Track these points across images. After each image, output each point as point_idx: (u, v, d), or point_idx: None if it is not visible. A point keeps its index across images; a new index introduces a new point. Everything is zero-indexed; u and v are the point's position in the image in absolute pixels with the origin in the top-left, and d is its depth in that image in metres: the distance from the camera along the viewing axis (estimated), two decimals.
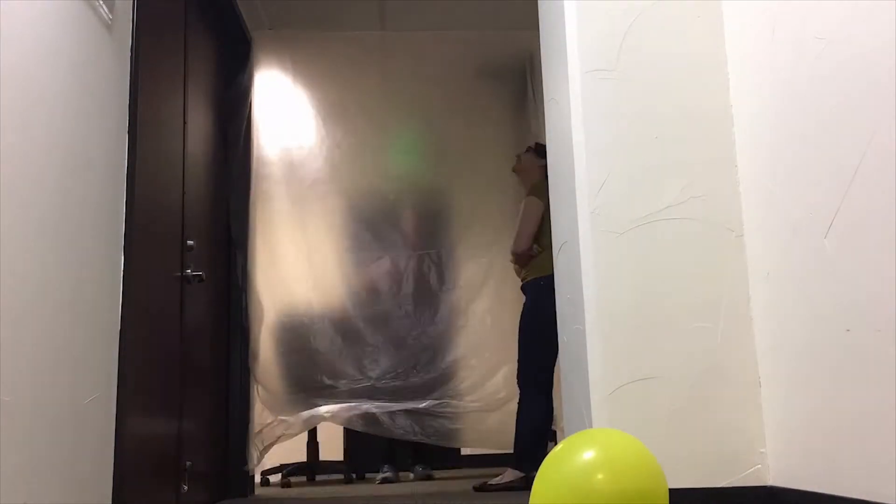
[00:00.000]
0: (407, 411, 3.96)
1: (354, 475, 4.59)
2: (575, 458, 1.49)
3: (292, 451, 4.56)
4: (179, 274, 2.89)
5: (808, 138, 1.78)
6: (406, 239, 4.33)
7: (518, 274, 3.71)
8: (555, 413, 3.67)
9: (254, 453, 3.78)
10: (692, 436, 2.00)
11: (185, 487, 2.85)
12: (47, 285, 1.82)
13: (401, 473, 4.31)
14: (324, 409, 3.83)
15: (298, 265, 4.17)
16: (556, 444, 4.05)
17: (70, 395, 1.92)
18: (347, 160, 4.37)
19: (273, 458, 4.34)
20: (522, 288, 3.68)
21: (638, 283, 2.06)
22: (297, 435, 4.04)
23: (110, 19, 2.24)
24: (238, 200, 3.93)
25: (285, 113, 4.36)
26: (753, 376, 2.04)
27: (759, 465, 2.00)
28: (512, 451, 3.60)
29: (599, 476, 1.43)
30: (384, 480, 4.13)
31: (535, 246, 3.60)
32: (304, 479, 4.68)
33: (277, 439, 3.88)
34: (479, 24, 4.47)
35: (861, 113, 1.58)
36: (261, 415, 3.89)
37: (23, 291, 1.70)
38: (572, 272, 2.16)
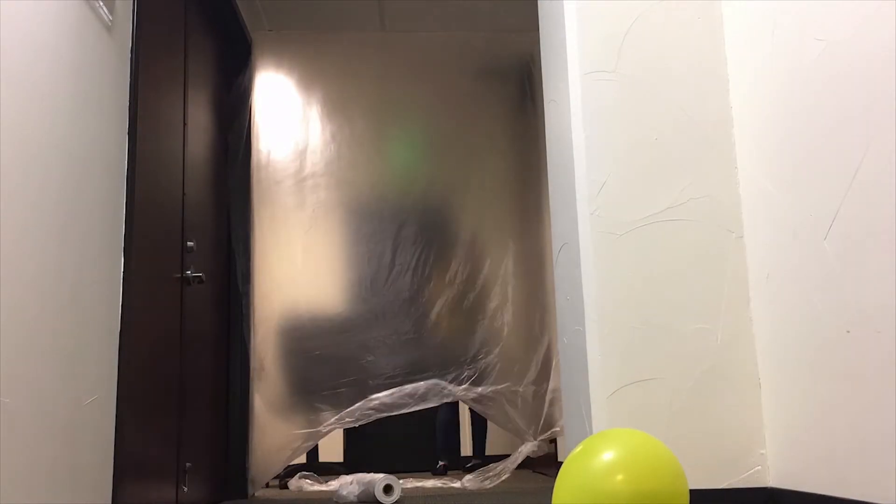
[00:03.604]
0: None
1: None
2: (596, 459, 1.48)
3: None
4: (179, 275, 2.89)
5: (807, 140, 1.78)
6: (407, 239, 4.33)
7: None
8: (554, 416, 3.72)
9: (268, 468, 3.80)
10: (692, 437, 2.00)
11: (185, 488, 2.85)
12: (47, 286, 1.82)
13: (400, 475, 4.31)
14: (339, 416, 3.84)
15: (299, 266, 4.18)
16: (555, 448, 4.07)
17: (70, 396, 1.92)
18: (348, 162, 4.37)
19: None
20: None
21: (638, 285, 2.06)
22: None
23: (110, 20, 2.24)
24: (238, 201, 3.94)
25: (286, 114, 4.36)
26: (753, 377, 2.04)
27: (759, 467, 2.00)
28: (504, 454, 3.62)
29: (620, 477, 1.43)
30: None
31: None
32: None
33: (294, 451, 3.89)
34: (480, 26, 4.48)
35: (861, 114, 1.58)
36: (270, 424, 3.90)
37: (23, 293, 1.70)
38: (572, 273, 2.16)
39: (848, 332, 1.63)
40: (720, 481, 1.99)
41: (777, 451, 1.96)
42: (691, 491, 1.96)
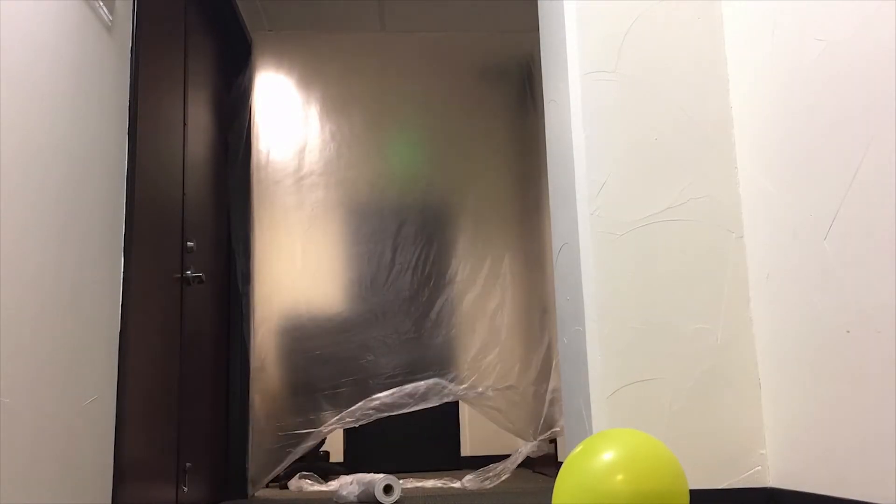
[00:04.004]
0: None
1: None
2: (596, 459, 1.48)
3: None
4: (179, 275, 2.89)
5: (807, 140, 1.78)
6: (407, 239, 4.34)
7: None
8: (554, 416, 3.71)
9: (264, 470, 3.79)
10: (692, 437, 2.00)
11: (185, 488, 2.85)
12: (47, 286, 1.82)
13: (400, 475, 4.31)
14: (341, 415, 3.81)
15: (299, 266, 4.18)
16: (555, 448, 4.07)
17: (70, 396, 1.92)
18: (348, 161, 4.38)
19: None
20: None
21: (638, 285, 2.06)
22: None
23: (110, 20, 2.24)
24: (238, 201, 3.94)
25: (285, 114, 4.36)
26: (753, 378, 2.04)
27: (759, 467, 2.00)
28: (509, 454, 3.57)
29: (620, 477, 1.43)
30: None
31: None
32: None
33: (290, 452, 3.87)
34: (479, 26, 4.48)
35: (861, 114, 1.58)
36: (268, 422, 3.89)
37: (23, 293, 1.70)
38: (572, 273, 2.16)
39: (848, 332, 1.63)
40: (720, 481, 1.99)
41: (777, 451, 1.96)
42: (691, 491, 1.96)
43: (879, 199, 1.52)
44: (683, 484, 1.47)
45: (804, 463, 1.83)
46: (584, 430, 2.05)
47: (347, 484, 3.43)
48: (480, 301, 4.06)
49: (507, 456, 3.87)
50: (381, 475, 3.34)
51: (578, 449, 1.54)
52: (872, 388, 1.56)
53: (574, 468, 1.50)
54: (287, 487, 4.21)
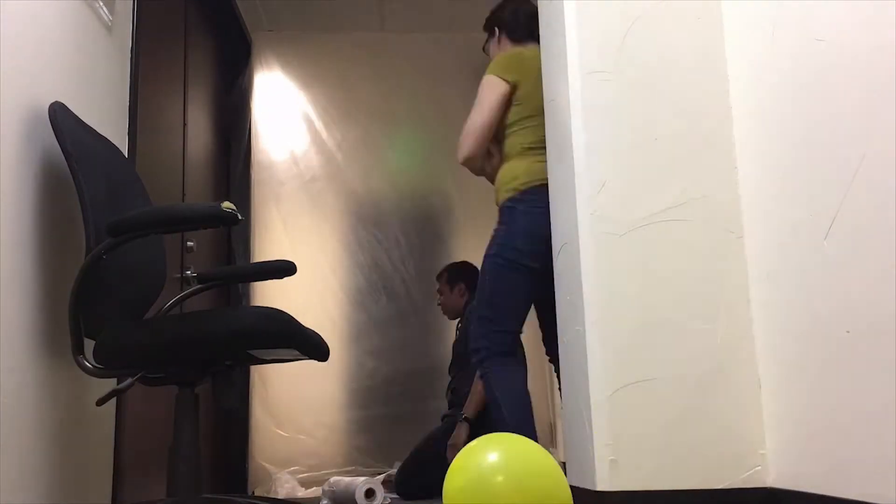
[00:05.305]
0: None
1: None
2: (479, 459, 1.52)
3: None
4: (179, 275, 2.89)
5: (808, 139, 1.78)
6: (407, 240, 4.33)
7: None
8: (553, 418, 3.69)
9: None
10: (692, 437, 2.00)
11: None
12: (47, 285, 1.82)
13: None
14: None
15: (299, 266, 4.18)
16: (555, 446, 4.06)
17: (70, 396, 1.92)
18: (347, 161, 4.37)
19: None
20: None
21: (638, 285, 2.06)
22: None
23: (110, 20, 2.24)
24: (238, 201, 3.94)
25: (285, 114, 4.36)
26: (753, 377, 2.04)
27: (759, 467, 2.00)
28: None
29: (500, 478, 1.46)
30: None
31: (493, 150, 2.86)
32: None
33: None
34: (479, 26, 4.47)
35: (861, 114, 1.58)
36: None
37: (22, 291, 1.70)
38: (572, 273, 2.16)
39: (848, 332, 1.63)
40: (720, 481, 1.99)
41: (777, 451, 1.96)
42: (691, 491, 1.96)
43: (879, 199, 1.52)
44: (565, 489, 1.51)
45: (804, 463, 1.83)
46: (585, 431, 2.05)
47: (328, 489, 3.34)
48: None
49: None
50: (362, 478, 3.20)
51: (469, 447, 1.59)
52: (873, 388, 1.56)
53: (461, 468, 1.55)
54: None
